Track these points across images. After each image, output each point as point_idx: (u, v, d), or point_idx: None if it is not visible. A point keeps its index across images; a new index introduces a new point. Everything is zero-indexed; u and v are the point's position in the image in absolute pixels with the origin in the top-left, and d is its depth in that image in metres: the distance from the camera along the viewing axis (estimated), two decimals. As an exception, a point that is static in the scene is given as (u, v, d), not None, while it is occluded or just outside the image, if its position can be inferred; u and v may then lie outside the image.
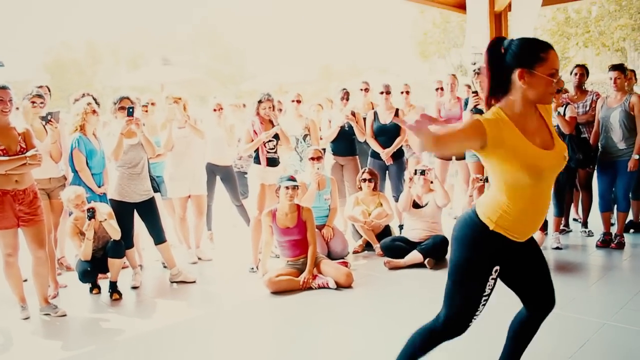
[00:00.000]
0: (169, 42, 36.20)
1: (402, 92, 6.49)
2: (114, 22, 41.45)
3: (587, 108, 5.90)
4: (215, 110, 5.85)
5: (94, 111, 4.85)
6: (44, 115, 4.59)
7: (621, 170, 5.39)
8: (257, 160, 5.41)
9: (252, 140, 5.31)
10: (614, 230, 5.61)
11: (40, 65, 33.06)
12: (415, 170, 5.49)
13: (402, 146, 6.22)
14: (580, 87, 6.05)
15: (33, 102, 4.81)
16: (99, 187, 4.97)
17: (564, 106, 5.39)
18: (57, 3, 43.46)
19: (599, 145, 5.51)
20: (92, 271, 4.66)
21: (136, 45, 35.73)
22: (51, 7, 43.17)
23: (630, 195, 5.82)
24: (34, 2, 41.06)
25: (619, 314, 3.77)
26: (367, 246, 5.80)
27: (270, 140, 5.29)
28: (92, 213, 4.45)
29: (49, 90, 5.50)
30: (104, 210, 4.60)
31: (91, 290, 4.79)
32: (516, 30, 9.05)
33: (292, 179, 4.85)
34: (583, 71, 6.07)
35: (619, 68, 5.47)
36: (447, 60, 26.21)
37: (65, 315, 4.20)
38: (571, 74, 6.13)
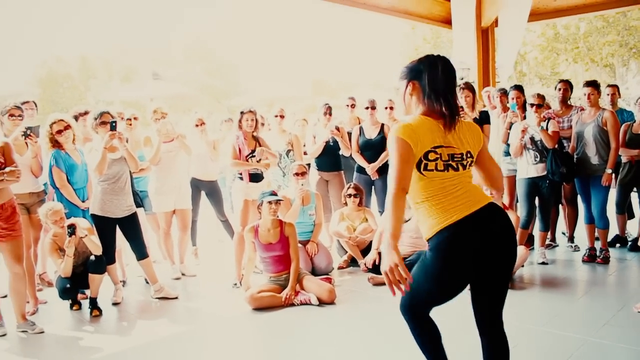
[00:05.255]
0: (162, 56, 36.29)
1: (386, 108, 6.50)
2: (107, 37, 41.63)
3: (572, 123, 5.93)
4: (197, 125, 5.84)
5: (59, 131, 4.76)
6: (24, 130, 4.55)
7: (596, 188, 5.43)
8: (241, 176, 5.39)
9: (237, 154, 5.29)
10: (599, 244, 5.60)
11: (34, 79, 33.06)
12: None
13: (387, 161, 6.21)
14: (564, 102, 6.09)
15: (11, 115, 4.77)
16: (83, 201, 4.92)
17: (547, 121, 5.41)
18: (50, 18, 43.62)
19: (575, 159, 5.54)
20: (72, 287, 4.59)
21: (129, 59, 35.78)
22: (45, 22, 43.32)
23: (615, 210, 5.85)
24: (28, 17, 41.18)
25: (602, 330, 3.75)
26: (353, 262, 5.77)
27: (253, 156, 5.27)
28: (72, 230, 4.40)
29: (36, 106, 5.47)
30: (84, 226, 4.55)
31: (71, 306, 4.73)
32: (503, 45, 9.13)
33: (274, 194, 4.82)
34: (567, 86, 6.11)
35: (592, 84, 5.54)
36: (438, 75, 26.32)
37: (43, 332, 4.14)
38: (556, 89, 6.17)
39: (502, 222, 2.30)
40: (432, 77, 2.26)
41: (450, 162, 2.25)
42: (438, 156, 2.23)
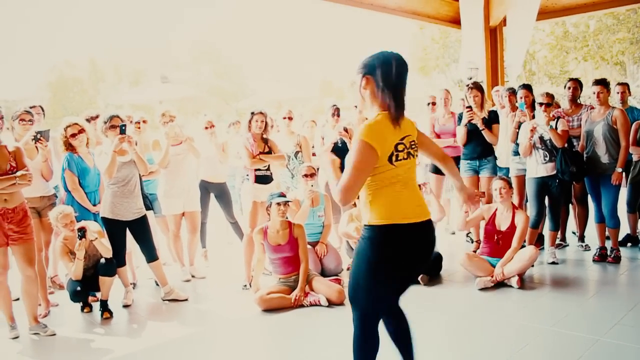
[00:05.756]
0: (170, 59, 36.45)
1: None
2: (116, 41, 41.89)
3: (581, 121, 5.89)
4: (206, 128, 5.86)
5: (73, 135, 4.81)
6: (34, 135, 4.60)
7: (606, 187, 5.39)
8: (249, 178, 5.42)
9: (252, 155, 5.31)
10: (609, 244, 5.56)
11: (44, 84, 33.33)
12: None
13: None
14: (574, 101, 6.06)
15: (22, 120, 4.83)
16: (94, 205, 4.96)
17: (556, 120, 5.38)
18: (60, 22, 43.97)
19: (585, 158, 5.51)
20: (83, 290, 4.63)
21: (138, 63, 35.97)
22: (54, 26, 43.64)
23: (626, 209, 5.80)
24: (37, 22, 41.53)
25: (613, 330, 3.73)
26: (362, 262, 5.75)
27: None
28: (82, 233, 4.43)
29: (42, 110, 5.51)
30: (94, 229, 4.58)
31: (82, 309, 4.77)
32: (511, 44, 9.10)
33: (283, 195, 4.83)
34: (577, 85, 6.08)
35: (601, 83, 5.51)
36: (447, 75, 26.30)
37: (54, 335, 4.18)
38: (565, 87, 6.13)
39: (433, 239, 2.50)
40: (385, 73, 2.35)
41: (410, 149, 2.41)
42: (405, 146, 2.38)
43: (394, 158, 2.33)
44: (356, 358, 2.53)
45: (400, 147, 2.35)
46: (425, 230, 2.42)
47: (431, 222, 2.47)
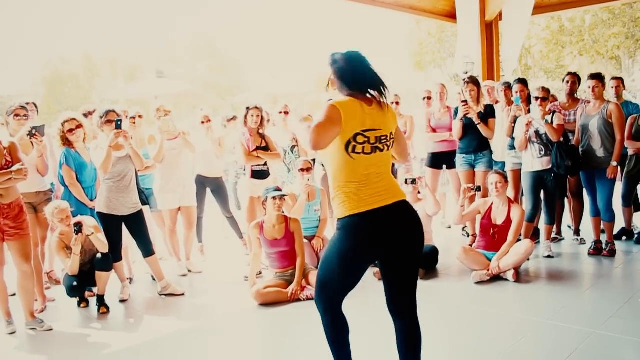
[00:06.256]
0: (166, 54, 36.29)
1: (391, 103, 6.48)
2: (111, 36, 41.70)
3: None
4: (203, 122, 5.85)
5: (70, 130, 4.80)
6: (29, 130, 4.58)
7: (601, 181, 5.41)
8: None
9: (248, 150, 5.30)
10: (605, 237, 5.59)
11: (39, 79, 33.16)
12: (406, 180, 5.47)
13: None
14: (572, 95, 6.08)
15: (16, 116, 4.81)
16: (92, 200, 4.95)
17: (552, 114, 5.39)
18: (54, 17, 43.75)
19: (580, 152, 5.52)
20: (80, 285, 4.63)
21: (133, 58, 35.82)
22: (49, 21, 43.43)
23: (621, 203, 5.83)
24: (32, 16, 41.32)
25: (608, 322, 3.75)
26: (358, 257, 5.77)
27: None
28: (79, 227, 4.43)
29: (36, 107, 5.49)
30: (91, 224, 4.58)
31: (79, 304, 4.77)
32: (507, 39, 9.10)
33: (279, 189, 4.84)
34: (575, 79, 6.09)
35: (597, 77, 5.52)
36: (443, 70, 26.29)
37: (51, 330, 4.18)
38: (563, 81, 6.15)
39: (410, 217, 2.47)
40: (345, 68, 2.42)
41: (378, 144, 2.40)
42: (366, 139, 2.36)
43: (350, 148, 2.35)
44: (332, 345, 2.64)
45: (359, 139, 2.35)
46: (393, 211, 2.40)
47: (404, 202, 2.47)
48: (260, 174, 5.41)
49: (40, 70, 34.09)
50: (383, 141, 2.42)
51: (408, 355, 2.58)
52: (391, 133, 2.47)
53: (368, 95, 2.42)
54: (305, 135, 2.36)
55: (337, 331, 2.62)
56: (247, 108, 5.37)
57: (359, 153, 2.36)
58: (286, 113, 5.97)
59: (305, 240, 5.04)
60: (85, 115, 5.37)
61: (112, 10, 45.19)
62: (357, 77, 2.43)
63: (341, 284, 2.54)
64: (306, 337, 3.84)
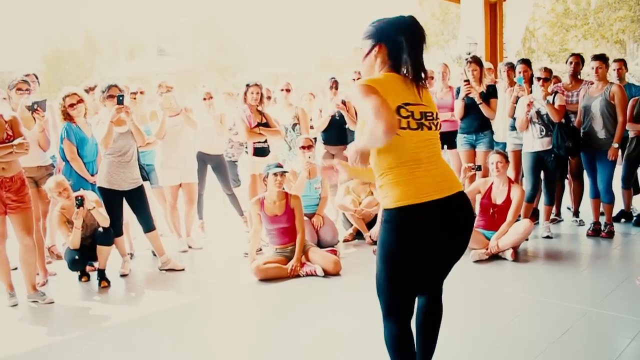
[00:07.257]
0: (167, 32, 36.02)
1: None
2: (112, 13, 41.29)
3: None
4: (205, 99, 5.84)
5: (71, 105, 4.79)
6: (30, 105, 4.57)
7: (602, 163, 5.41)
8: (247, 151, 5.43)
9: (249, 127, 5.30)
10: (604, 219, 5.61)
11: (39, 56, 32.96)
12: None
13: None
14: (575, 76, 6.06)
15: (19, 89, 4.80)
16: (92, 175, 4.97)
17: (553, 94, 5.38)
18: (55, -6, 43.28)
19: (581, 133, 5.52)
20: (81, 259, 4.67)
21: (134, 36, 35.56)
22: (49, -2, 42.99)
23: (621, 185, 5.84)
24: (32, -7, 40.88)
25: (604, 301, 3.79)
26: (358, 235, 5.81)
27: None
28: (80, 201, 4.45)
29: (37, 78, 5.48)
30: (92, 198, 4.60)
31: (80, 278, 4.82)
32: (511, 20, 9.04)
33: (280, 166, 4.85)
34: (578, 60, 6.06)
35: (600, 58, 5.49)
36: (446, 52, 26.15)
37: (52, 303, 4.23)
38: (567, 62, 6.12)
39: (467, 214, 2.25)
40: (400, 40, 2.12)
41: (423, 120, 2.13)
42: (410, 114, 2.09)
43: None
44: (392, 357, 2.30)
45: (402, 112, 2.07)
46: (451, 205, 2.14)
47: (462, 194, 2.21)
48: (261, 152, 5.42)
49: (40, 46, 33.89)
50: (429, 118, 2.15)
51: (428, 333, 2.45)
52: (436, 113, 2.21)
53: (410, 73, 2.13)
54: (373, 132, 1.88)
55: (399, 347, 2.29)
56: (247, 85, 5.37)
57: (404, 128, 2.06)
58: (288, 91, 5.96)
59: (305, 218, 5.07)
60: (87, 91, 5.36)
61: (113, -13, 44.70)
62: (416, 51, 2.13)
63: (398, 285, 2.24)
64: (305, 312, 3.88)
